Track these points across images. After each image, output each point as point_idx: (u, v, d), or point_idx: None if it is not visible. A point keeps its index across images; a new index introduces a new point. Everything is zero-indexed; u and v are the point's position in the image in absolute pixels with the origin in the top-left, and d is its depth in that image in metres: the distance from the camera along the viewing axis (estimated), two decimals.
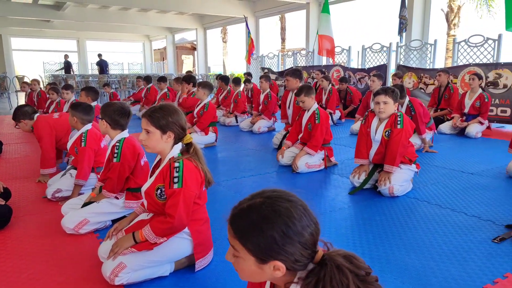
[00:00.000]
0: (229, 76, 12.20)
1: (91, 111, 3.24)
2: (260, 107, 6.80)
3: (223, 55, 21.23)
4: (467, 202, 3.05)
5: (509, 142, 4.03)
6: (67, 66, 16.94)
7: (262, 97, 6.80)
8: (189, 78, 6.59)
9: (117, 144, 2.55)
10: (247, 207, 0.98)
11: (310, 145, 3.99)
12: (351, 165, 4.04)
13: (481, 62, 6.92)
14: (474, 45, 7.06)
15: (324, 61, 10.67)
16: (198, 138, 5.25)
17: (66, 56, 17.28)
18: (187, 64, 25.45)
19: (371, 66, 8.97)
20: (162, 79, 8.05)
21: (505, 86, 6.50)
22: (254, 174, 4.01)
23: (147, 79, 8.63)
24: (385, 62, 8.63)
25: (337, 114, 7.53)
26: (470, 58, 7.15)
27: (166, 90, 8.00)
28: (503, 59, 6.68)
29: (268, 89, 6.83)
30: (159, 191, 1.97)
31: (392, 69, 8.54)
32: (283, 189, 1.03)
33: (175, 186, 1.89)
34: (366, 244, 2.37)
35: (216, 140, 5.51)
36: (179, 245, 2.00)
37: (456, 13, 11.85)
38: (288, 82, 4.83)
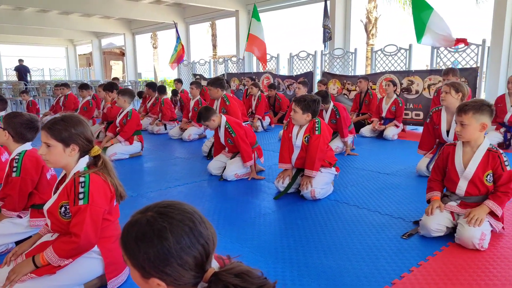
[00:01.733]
0: (161, 83, 11.90)
1: None
2: (190, 114, 6.70)
3: (154, 61, 20.65)
4: (382, 202, 3.25)
5: None
6: None
7: (192, 103, 6.70)
8: (110, 86, 6.28)
9: (17, 157, 2.32)
10: (132, 222, 0.94)
11: (243, 158, 3.97)
12: (278, 170, 4.11)
13: (395, 70, 7.49)
14: (389, 54, 7.62)
15: (254, 68, 10.83)
16: (122, 148, 5.01)
17: None
18: (116, 70, 24.35)
19: (299, 73, 9.29)
20: (84, 86, 7.57)
21: (417, 91, 7.09)
22: (180, 184, 3.91)
23: (65, 85, 8.07)
24: (312, 69, 8.99)
25: (267, 120, 7.67)
26: (386, 66, 7.70)
27: (89, 98, 7.54)
28: (414, 67, 7.30)
29: (199, 96, 6.75)
30: (63, 208, 1.82)
31: (318, 76, 8.91)
32: (182, 202, 0.99)
33: (81, 202, 1.76)
34: (287, 249, 2.41)
35: (142, 149, 5.30)
36: (88, 266, 1.87)
37: (374, 24, 12.78)
38: (210, 91, 4.81)
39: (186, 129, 6.49)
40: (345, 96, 8.27)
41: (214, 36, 19.61)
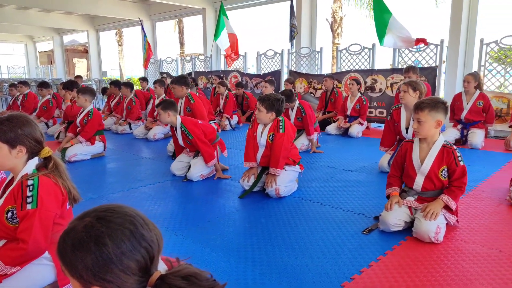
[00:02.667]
0: (128, 81, 11.60)
1: None
2: (156, 113, 6.56)
3: (119, 59, 20.12)
4: (345, 198, 3.30)
5: None
6: None
7: (157, 102, 6.56)
8: (70, 84, 6.05)
9: None
10: (68, 230, 0.89)
11: (205, 159, 3.91)
12: (244, 168, 4.09)
13: (360, 69, 7.65)
14: (353, 53, 7.78)
15: (222, 66, 10.77)
16: (83, 149, 4.84)
17: None
18: (80, 68, 23.59)
19: (266, 71, 9.32)
20: (43, 84, 7.26)
21: (380, 90, 7.28)
22: (144, 185, 3.82)
23: (24, 83, 7.70)
24: (279, 68, 9.04)
25: (235, 119, 7.64)
26: (351, 65, 7.86)
27: (49, 97, 7.24)
28: (377, 66, 7.49)
29: (164, 94, 6.63)
30: (9, 213, 1.72)
31: (285, 74, 8.97)
32: (122, 205, 0.95)
33: (29, 207, 1.67)
34: (250, 248, 2.40)
35: (104, 150, 5.14)
36: (38, 273, 1.77)
37: (339, 24, 13.02)
38: (174, 89, 4.73)
39: (151, 129, 6.35)
40: (312, 94, 8.37)
41: (181, 34, 19.35)
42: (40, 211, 1.68)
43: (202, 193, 3.58)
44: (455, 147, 2.58)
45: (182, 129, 3.88)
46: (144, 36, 11.94)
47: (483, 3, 6.85)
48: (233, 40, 9.24)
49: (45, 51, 24.82)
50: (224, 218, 2.91)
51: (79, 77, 10.03)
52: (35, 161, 1.79)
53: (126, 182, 3.93)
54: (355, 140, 6.06)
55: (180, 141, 4.01)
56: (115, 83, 7.97)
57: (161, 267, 0.97)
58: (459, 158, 2.53)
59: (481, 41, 6.40)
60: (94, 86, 14.56)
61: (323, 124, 6.73)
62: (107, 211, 0.90)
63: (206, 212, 3.05)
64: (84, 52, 22.96)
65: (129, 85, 7.36)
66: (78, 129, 4.94)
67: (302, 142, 5.19)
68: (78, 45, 23.59)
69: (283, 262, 2.21)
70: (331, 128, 6.56)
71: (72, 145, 4.82)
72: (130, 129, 6.96)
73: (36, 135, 1.77)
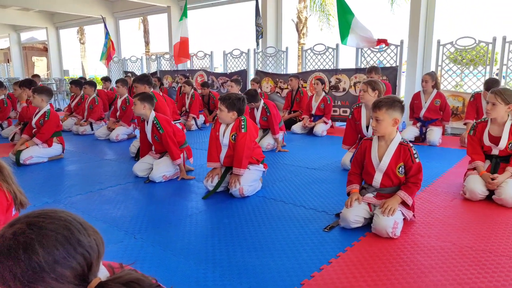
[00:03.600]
0: (91, 80, 11.18)
1: None
2: (118, 113, 6.38)
3: (82, 57, 19.45)
4: (307, 196, 3.33)
5: None
6: None
7: (119, 102, 6.39)
8: (28, 83, 5.78)
9: None
10: None
11: (172, 156, 3.85)
12: (208, 169, 4.05)
13: (324, 68, 7.77)
14: (318, 53, 7.89)
15: (188, 65, 10.64)
16: (40, 151, 4.62)
17: None
18: (40, 67, 22.60)
19: (233, 71, 9.28)
20: None
21: (344, 89, 7.43)
22: (103, 187, 3.70)
23: None
24: (245, 68, 9.03)
25: (201, 119, 7.57)
26: (316, 64, 7.97)
27: (3, 97, 6.87)
28: (341, 66, 7.63)
29: (126, 94, 6.45)
30: None
31: (251, 74, 8.97)
32: (58, 209, 0.90)
33: None
34: (211, 249, 2.36)
35: (63, 152, 4.94)
36: None
37: (304, 24, 13.20)
38: (136, 88, 4.62)
39: (113, 129, 6.17)
40: (278, 94, 8.42)
41: (146, 32, 18.94)
42: None
43: (164, 195, 3.51)
44: (411, 144, 2.66)
45: (154, 122, 3.83)
46: (107, 33, 11.58)
47: (440, 5, 7.14)
48: (184, 44, 9.14)
49: (1, 49, 23.60)
50: (186, 220, 2.86)
51: (36, 76, 9.60)
52: None
53: (86, 185, 3.79)
54: (320, 139, 6.15)
55: (149, 136, 3.94)
56: (75, 82, 7.68)
57: (103, 274, 0.93)
58: (415, 155, 2.61)
59: (438, 42, 6.67)
60: (54, 86, 14.00)
61: (289, 123, 6.79)
62: (39, 216, 0.85)
63: (167, 214, 2.98)
64: (44, 50, 21.98)
65: (91, 84, 7.12)
66: (34, 130, 4.71)
67: (268, 141, 5.21)
68: (37, 43, 22.57)
69: (244, 262, 2.19)
70: (297, 127, 6.62)
71: (27, 147, 4.59)
72: (92, 129, 6.73)
73: None
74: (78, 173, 4.32)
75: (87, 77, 17.02)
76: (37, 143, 4.61)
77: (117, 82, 6.42)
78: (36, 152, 4.59)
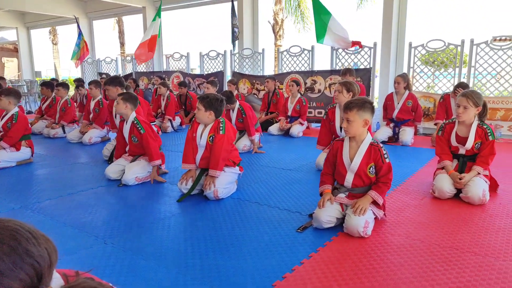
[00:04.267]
0: (64, 82, 10.89)
1: None
2: (91, 116, 6.24)
3: (54, 58, 18.94)
4: (282, 197, 3.35)
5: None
6: None
7: (92, 104, 6.25)
8: None
9: None
10: None
11: (151, 156, 3.80)
12: (183, 171, 4.01)
13: (300, 70, 7.84)
14: (294, 54, 7.95)
15: (164, 66, 10.52)
16: (7, 156, 4.47)
17: None
18: (10, 68, 21.87)
19: (210, 72, 9.24)
20: None
21: (319, 90, 7.51)
22: (74, 191, 3.60)
23: None
24: (222, 69, 9.00)
25: (177, 121, 7.49)
26: (292, 66, 8.03)
27: None
28: (316, 67, 7.71)
29: (100, 96, 6.31)
30: None
31: (228, 75, 8.95)
32: (5, 218, 0.86)
33: None
34: (183, 253, 2.34)
35: (32, 156, 4.79)
36: None
37: (280, 26, 13.28)
38: (108, 91, 4.53)
39: (86, 132, 6.03)
40: (255, 95, 8.43)
41: (121, 33, 18.63)
42: None
43: (137, 198, 3.45)
44: (381, 145, 2.71)
45: (135, 122, 3.81)
46: (79, 34, 11.32)
47: (411, 8, 7.33)
48: (153, 41, 9.07)
49: None
50: (159, 223, 2.82)
51: (2, 78, 9.25)
52: None
53: (56, 189, 3.68)
54: (296, 140, 6.19)
55: (126, 134, 3.87)
56: (46, 84, 7.46)
57: (57, 283, 0.90)
58: (385, 156, 2.66)
59: (410, 44, 6.84)
60: (25, 88, 13.58)
61: (266, 124, 6.81)
62: None
63: (140, 218, 2.93)
64: (15, 51, 21.27)
65: (64, 85, 6.93)
66: (1, 134, 4.55)
67: (244, 143, 5.20)
68: (7, 43, 21.84)
69: (216, 265, 2.18)
70: (273, 129, 6.65)
71: None
72: (64, 132, 6.56)
73: None
74: (48, 178, 4.20)
75: (60, 79, 16.61)
76: (5, 147, 4.45)
77: (90, 83, 6.28)
78: (3, 157, 4.43)
